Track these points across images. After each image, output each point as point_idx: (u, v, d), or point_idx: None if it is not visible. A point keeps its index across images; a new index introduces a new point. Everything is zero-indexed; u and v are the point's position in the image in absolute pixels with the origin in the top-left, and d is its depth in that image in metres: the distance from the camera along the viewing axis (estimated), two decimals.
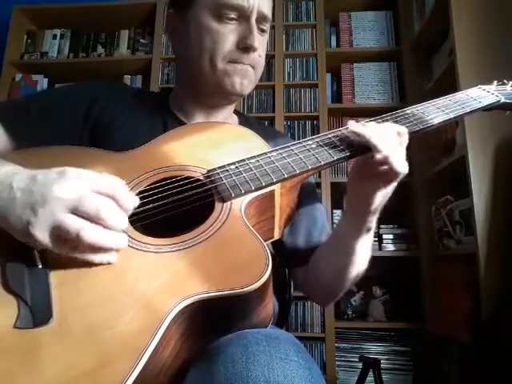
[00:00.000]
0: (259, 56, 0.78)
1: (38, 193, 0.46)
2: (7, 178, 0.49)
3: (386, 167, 0.59)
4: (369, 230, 0.67)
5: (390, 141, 0.59)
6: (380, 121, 0.67)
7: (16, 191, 0.47)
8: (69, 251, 0.47)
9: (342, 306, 2.16)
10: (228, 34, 0.74)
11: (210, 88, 0.78)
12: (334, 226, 2.23)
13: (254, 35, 0.74)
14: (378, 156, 0.58)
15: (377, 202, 0.63)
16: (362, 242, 0.69)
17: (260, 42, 0.77)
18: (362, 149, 0.63)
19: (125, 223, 0.49)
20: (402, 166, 0.59)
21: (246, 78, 0.77)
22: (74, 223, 0.46)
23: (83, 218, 0.46)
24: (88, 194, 0.47)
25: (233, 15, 0.74)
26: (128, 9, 2.49)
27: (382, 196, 0.63)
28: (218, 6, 0.73)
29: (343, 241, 0.70)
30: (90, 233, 0.46)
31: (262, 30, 0.79)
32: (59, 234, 0.46)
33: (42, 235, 0.46)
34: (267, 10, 0.77)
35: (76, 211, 0.46)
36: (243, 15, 0.74)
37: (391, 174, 0.60)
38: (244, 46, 0.74)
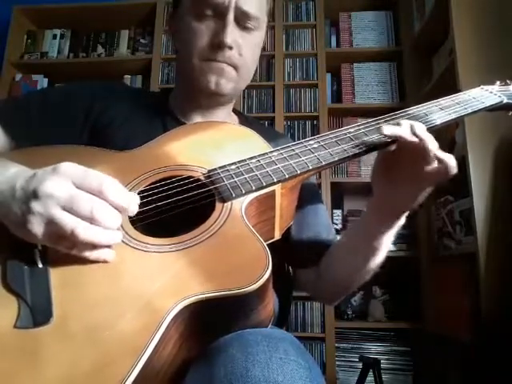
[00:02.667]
0: (239, 54, 0.74)
1: (32, 189, 0.47)
2: (13, 179, 0.49)
3: (436, 165, 0.58)
4: (399, 225, 0.68)
5: (432, 139, 0.59)
6: (383, 121, 0.67)
7: (17, 190, 0.48)
8: (67, 248, 0.47)
9: (342, 306, 2.16)
10: (202, 32, 0.73)
11: (192, 87, 0.78)
12: (335, 225, 2.23)
13: (226, 32, 0.71)
14: (439, 154, 0.58)
15: (420, 200, 0.63)
16: (389, 236, 0.69)
17: (239, 39, 0.74)
18: (366, 149, 0.63)
19: (118, 222, 0.49)
20: (455, 167, 0.58)
21: (222, 76, 0.74)
22: (67, 221, 0.45)
23: (76, 216, 0.46)
24: (81, 194, 0.47)
25: (209, 12, 0.73)
26: (128, 9, 2.49)
27: (426, 193, 0.63)
28: (195, 4, 0.74)
29: (372, 238, 0.69)
30: (83, 230, 0.46)
31: (246, 28, 0.75)
32: (54, 230, 0.46)
33: (37, 230, 0.46)
34: (249, 7, 0.73)
35: (69, 209, 0.46)
36: (219, 12, 0.72)
37: (443, 173, 0.59)
38: (214, 43, 0.72)
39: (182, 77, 0.81)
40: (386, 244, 0.70)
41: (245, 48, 0.75)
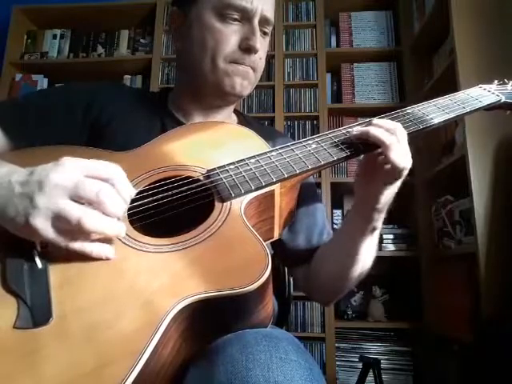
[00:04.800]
0: (260, 58, 0.78)
1: (35, 182, 0.46)
2: (6, 176, 0.49)
3: (388, 166, 0.59)
4: (374, 229, 0.68)
5: (391, 137, 0.60)
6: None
7: (14, 185, 0.47)
8: (68, 241, 0.47)
9: (341, 305, 2.16)
10: (231, 35, 0.74)
11: (209, 87, 0.78)
12: (334, 226, 2.23)
13: (256, 37, 0.74)
14: (384, 153, 0.59)
15: (382, 202, 0.64)
16: (366, 242, 0.69)
17: (261, 44, 0.77)
18: (362, 149, 0.63)
19: (123, 209, 0.49)
20: (401, 162, 0.59)
21: (246, 79, 0.77)
22: (74, 210, 0.45)
23: (82, 204, 0.46)
24: (86, 180, 0.47)
25: (236, 16, 0.74)
26: (128, 9, 2.49)
27: (387, 195, 0.63)
28: (222, 6, 0.73)
29: (348, 240, 0.70)
30: (91, 219, 0.45)
31: (264, 33, 0.79)
32: (59, 222, 0.45)
33: (42, 225, 0.45)
34: (270, 14, 0.77)
35: (75, 197, 0.46)
36: (246, 17, 0.74)
37: (393, 171, 0.60)
38: (246, 47, 0.74)
39: (192, 76, 0.79)
40: (364, 249, 0.70)
41: (262, 52, 0.78)
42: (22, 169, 0.50)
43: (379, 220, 0.67)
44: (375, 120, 0.64)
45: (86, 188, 0.46)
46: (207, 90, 0.79)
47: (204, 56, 0.75)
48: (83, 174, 0.47)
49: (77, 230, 0.46)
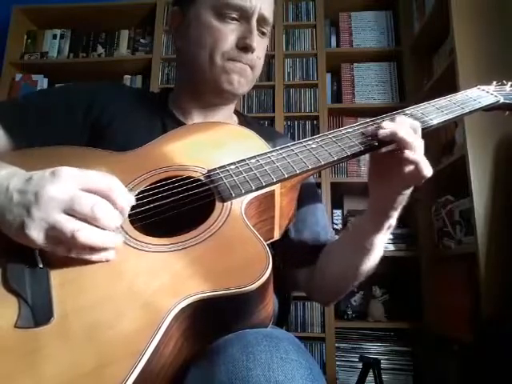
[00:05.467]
0: (257, 58, 0.79)
1: (32, 193, 0.46)
2: (5, 181, 0.49)
3: (411, 168, 0.59)
4: (390, 227, 0.68)
5: (419, 141, 0.59)
6: (380, 120, 0.67)
7: (12, 192, 0.47)
8: (64, 252, 0.47)
9: (342, 305, 2.16)
10: (228, 33, 0.75)
11: (207, 85, 0.79)
12: (334, 226, 2.23)
13: (253, 36, 0.75)
14: (411, 156, 0.58)
15: (398, 201, 0.64)
16: (380, 239, 0.69)
17: (259, 43, 0.77)
18: (363, 149, 0.63)
19: (119, 222, 0.49)
20: (429, 170, 0.59)
21: (243, 76, 0.78)
22: (68, 224, 0.45)
23: (78, 218, 0.46)
24: (82, 194, 0.47)
25: (234, 15, 0.75)
26: (128, 9, 2.49)
27: (405, 195, 0.64)
28: (221, 5, 0.74)
29: (363, 237, 0.69)
30: (84, 233, 0.45)
31: (263, 33, 0.80)
32: (54, 234, 0.46)
33: (37, 236, 0.45)
34: (268, 14, 0.78)
35: (70, 211, 0.46)
36: (244, 16, 0.75)
37: (418, 176, 0.59)
38: (243, 46, 0.75)
39: (191, 73, 0.80)
40: (378, 246, 0.70)
41: (260, 51, 0.79)
42: (22, 171, 0.50)
43: (394, 217, 0.67)
44: (400, 117, 0.63)
45: (82, 202, 0.46)
46: (205, 88, 0.79)
47: (202, 53, 0.76)
48: (79, 187, 0.47)
49: (72, 242, 0.46)
